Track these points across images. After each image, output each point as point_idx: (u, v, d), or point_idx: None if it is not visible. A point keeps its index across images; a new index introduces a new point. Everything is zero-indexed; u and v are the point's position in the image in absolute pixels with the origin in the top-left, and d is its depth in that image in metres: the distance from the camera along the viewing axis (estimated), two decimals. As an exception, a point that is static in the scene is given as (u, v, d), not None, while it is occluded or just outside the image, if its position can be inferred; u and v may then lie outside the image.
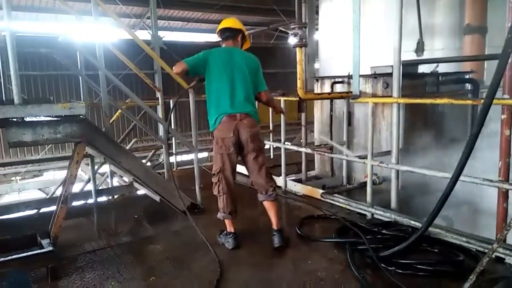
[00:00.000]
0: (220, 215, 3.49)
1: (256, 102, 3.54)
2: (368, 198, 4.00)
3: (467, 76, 5.27)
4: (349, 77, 4.67)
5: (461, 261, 2.89)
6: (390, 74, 3.88)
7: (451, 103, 3.41)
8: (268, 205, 3.46)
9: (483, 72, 5.60)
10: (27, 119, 3.11)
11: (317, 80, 5.70)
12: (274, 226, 3.44)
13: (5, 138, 3.13)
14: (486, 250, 2.84)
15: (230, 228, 3.48)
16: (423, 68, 5.18)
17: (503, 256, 2.91)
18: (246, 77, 3.38)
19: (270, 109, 6.71)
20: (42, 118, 3.17)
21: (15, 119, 3.03)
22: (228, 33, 3.51)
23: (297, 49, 4.25)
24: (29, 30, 11.12)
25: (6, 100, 4.22)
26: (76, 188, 5.32)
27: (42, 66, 10.17)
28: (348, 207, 4.22)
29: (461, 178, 2.75)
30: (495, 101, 2.56)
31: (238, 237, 3.47)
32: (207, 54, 3.40)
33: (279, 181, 5.21)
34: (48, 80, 10.48)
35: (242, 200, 3.83)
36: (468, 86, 5.22)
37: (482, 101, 2.59)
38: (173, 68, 3.42)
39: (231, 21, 3.56)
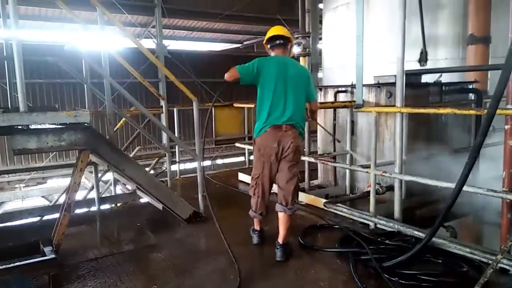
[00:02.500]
0: (251, 213, 3.65)
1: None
2: (371, 207, 3.98)
3: (470, 86, 5.27)
4: (353, 86, 4.68)
5: (465, 272, 2.87)
6: (394, 84, 3.88)
7: (454, 113, 3.41)
8: (282, 218, 3.44)
9: (487, 82, 5.59)
10: (32, 126, 3.13)
11: (321, 89, 5.71)
12: (280, 240, 3.44)
13: (10, 146, 3.14)
14: (490, 261, 2.82)
15: (257, 226, 3.71)
16: (426, 78, 5.19)
17: (507, 267, 2.87)
18: (298, 89, 3.40)
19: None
20: (47, 126, 3.19)
21: (20, 127, 3.05)
22: (279, 41, 3.50)
23: (301, 58, 4.29)
24: (35, 39, 11.25)
25: (12, 107, 4.26)
26: (80, 195, 5.32)
27: (48, 74, 10.25)
28: (351, 216, 4.21)
29: (465, 188, 2.74)
30: (498, 111, 2.56)
31: (262, 235, 3.70)
32: (261, 64, 3.37)
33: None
34: (53, 88, 10.55)
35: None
36: (472, 96, 5.21)
37: (486, 111, 2.58)
38: (225, 74, 3.37)
39: (281, 29, 3.54)
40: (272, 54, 3.56)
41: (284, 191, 3.43)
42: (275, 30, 3.54)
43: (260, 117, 3.40)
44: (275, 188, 3.57)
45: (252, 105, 5.77)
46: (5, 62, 4.70)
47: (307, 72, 3.61)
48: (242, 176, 6.33)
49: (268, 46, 3.58)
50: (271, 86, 3.32)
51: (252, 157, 4.13)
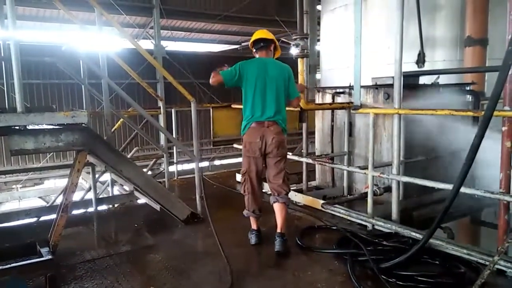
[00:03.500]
0: (245, 212, 3.74)
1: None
2: (369, 209, 3.99)
3: (468, 88, 5.28)
4: (350, 88, 4.69)
5: (462, 274, 2.88)
6: (391, 85, 3.89)
7: (451, 114, 3.42)
8: (278, 207, 3.59)
9: (484, 84, 5.60)
10: (30, 127, 3.13)
11: (319, 91, 5.72)
12: (278, 229, 3.55)
13: (7, 146, 3.14)
14: (487, 263, 2.82)
15: (253, 225, 3.75)
16: (424, 80, 5.20)
17: (504, 268, 2.88)
18: (278, 88, 3.61)
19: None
20: (44, 126, 3.18)
21: (17, 127, 3.04)
22: (262, 44, 3.72)
23: (299, 59, 4.30)
24: (33, 39, 11.22)
25: (9, 108, 4.24)
26: (77, 196, 5.31)
27: (45, 75, 10.22)
28: (348, 217, 4.21)
29: (462, 189, 2.75)
30: (495, 113, 2.57)
31: (260, 234, 3.71)
32: (242, 66, 3.61)
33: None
34: (51, 88, 10.52)
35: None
36: (469, 97, 5.23)
37: (483, 112, 2.59)
38: (210, 79, 3.61)
39: (263, 33, 3.76)
40: (257, 56, 3.76)
41: (274, 184, 3.63)
42: (258, 34, 3.75)
43: (244, 116, 3.66)
44: (267, 188, 3.60)
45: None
46: (3, 62, 4.69)
47: (287, 72, 3.72)
48: (240, 177, 6.31)
49: (253, 49, 3.79)
50: (252, 86, 3.57)
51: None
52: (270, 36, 3.73)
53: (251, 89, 3.57)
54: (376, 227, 3.89)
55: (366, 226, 3.99)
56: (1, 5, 4.62)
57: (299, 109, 4.53)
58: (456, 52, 6.02)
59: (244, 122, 3.67)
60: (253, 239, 3.68)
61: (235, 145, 7.68)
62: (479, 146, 2.54)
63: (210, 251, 3.54)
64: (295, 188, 5.45)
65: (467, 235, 4.89)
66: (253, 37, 3.75)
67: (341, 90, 5.26)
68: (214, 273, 3.13)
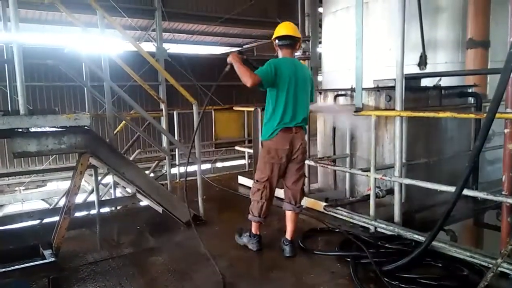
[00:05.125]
0: (253, 218, 3.56)
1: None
2: (371, 211, 3.98)
3: (470, 90, 5.28)
4: (352, 90, 4.69)
5: (465, 276, 2.87)
6: (393, 88, 3.89)
7: (454, 116, 3.41)
8: (291, 216, 3.55)
9: (486, 86, 5.61)
10: (32, 129, 3.14)
11: (320, 93, 5.72)
12: (289, 237, 3.54)
13: (10, 148, 3.14)
14: (491, 265, 2.82)
15: (257, 231, 3.59)
16: (425, 82, 5.20)
17: (507, 271, 2.87)
18: (307, 92, 3.49)
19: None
20: (47, 129, 3.19)
21: (20, 130, 3.05)
22: (290, 41, 3.46)
23: (301, 61, 4.28)
24: (35, 42, 11.26)
25: (12, 110, 4.26)
26: (79, 198, 5.32)
27: (48, 77, 10.26)
28: (351, 220, 4.20)
29: (465, 192, 2.75)
30: (497, 115, 2.57)
31: (261, 239, 3.61)
32: (276, 66, 3.33)
33: (282, 193, 5.19)
34: (54, 91, 10.56)
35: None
36: (471, 100, 5.22)
37: (485, 115, 2.59)
38: (247, 81, 3.20)
39: (291, 28, 3.48)
40: (280, 53, 3.53)
41: (293, 191, 3.53)
42: (286, 29, 3.46)
43: (272, 119, 3.40)
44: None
45: (252, 108, 5.78)
46: (6, 65, 4.72)
47: (310, 74, 3.64)
48: (242, 179, 6.32)
49: (277, 42, 3.51)
50: (284, 89, 3.33)
51: (251, 160, 4.14)
52: (297, 33, 3.48)
53: (283, 93, 3.33)
54: (378, 229, 3.89)
55: (368, 228, 3.98)
56: (4, 7, 4.65)
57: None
58: (458, 54, 6.03)
59: (270, 126, 3.41)
60: (256, 245, 3.57)
61: (237, 147, 7.71)
62: (481, 148, 2.54)
63: (213, 254, 3.54)
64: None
65: (470, 238, 4.88)
66: (280, 31, 3.46)
67: (342, 92, 5.25)
68: (217, 275, 3.13)
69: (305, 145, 3.51)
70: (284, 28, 3.47)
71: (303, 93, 3.43)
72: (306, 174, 5.32)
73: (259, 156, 3.60)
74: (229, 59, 3.37)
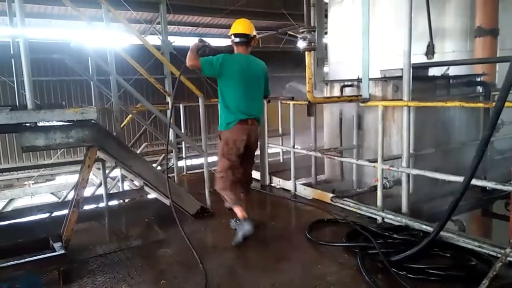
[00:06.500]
0: (230, 204, 3.71)
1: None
2: (379, 202, 3.97)
3: (478, 79, 5.22)
4: (359, 80, 4.66)
5: (474, 266, 2.86)
6: (400, 77, 3.86)
7: (462, 106, 3.38)
8: (243, 198, 3.86)
9: (495, 75, 5.53)
10: (40, 124, 3.16)
11: (327, 84, 5.69)
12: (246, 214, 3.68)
13: (18, 143, 3.17)
14: (499, 255, 2.80)
15: (242, 213, 3.62)
16: (433, 71, 5.15)
17: (516, 261, 2.86)
18: (260, 86, 3.73)
19: (279, 114, 6.74)
20: (55, 123, 3.21)
21: (28, 124, 3.08)
22: (243, 39, 3.67)
23: (306, 53, 4.26)
24: (41, 37, 11.30)
25: (20, 105, 4.29)
26: (88, 192, 5.36)
27: (54, 72, 10.30)
28: (358, 211, 4.20)
29: (473, 181, 2.72)
30: (507, 104, 2.53)
31: (252, 221, 3.58)
32: (224, 61, 3.55)
33: (289, 185, 5.21)
34: (60, 85, 10.60)
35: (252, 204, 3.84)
36: (480, 88, 5.17)
37: (494, 104, 2.56)
38: (187, 62, 3.53)
39: (245, 26, 3.67)
40: (235, 49, 3.72)
41: (247, 177, 3.90)
42: (239, 28, 3.67)
43: (225, 112, 3.64)
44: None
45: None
46: (13, 60, 4.74)
47: (265, 68, 3.80)
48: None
49: (232, 39, 3.71)
50: (235, 84, 3.58)
51: (258, 152, 4.20)
52: (251, 31, 3.68)
53: (235, 87, 3.57)
54: (386, 220, 3.88)
55: (375, 219, 3.98)
56: (10, 2, 4.66)
57: (307, 102, 4.50)
58: (466, 42, 5.95)
59: (226, 119, 3.63)
60: (250, 226, 3.49)
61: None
62: (490, 137, 2.51)
63: (220, 245, 3.56)
64: (304, 182, 5.45)
65: (478, 228, 4.86)
66: (234, 29, 3.67)
67: (349, 83, 5.22)
68: (224, 266, 3.15)
69: (258, 136, 3.80)
70: (239, 26, 3.67)
71: (256, 88, 3.67)
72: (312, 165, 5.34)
73: (218, 147, 3.80)
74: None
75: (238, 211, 3.62)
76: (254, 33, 3.73)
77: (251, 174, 3.99)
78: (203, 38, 3.70)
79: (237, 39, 3.67)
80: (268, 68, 3.83)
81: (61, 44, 9.31)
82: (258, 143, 3.89)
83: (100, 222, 4.47)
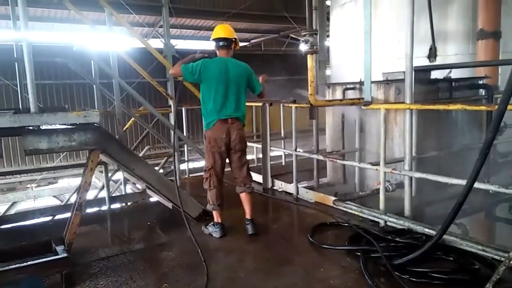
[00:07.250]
0: (209, 206, 3.93)
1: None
2: (381, 205, 3.96)
3: (481, 82, 5.21)
4: (361, 83, 4.66)
5: (477, 270, 2.84)
6: (402, 80, 3.86)
7: (464, 109, 3.37)
8: (245, 197, 3.93)
9: (498, 77, 5.52)
10: (43, 127, 3.17)
11: (329, 87, 5.69)
12: (248, 216, 3.89)
13: (21, 146, 3.18)
14: (503, 259, 2.78)
15: (217, 219, 3.88)
16: (435, 74, 5.14)
17: (520, 264, 2.84)
18: (239, 87, 3.82)
19: (281, 117, 6.75)
20: (57, 126, 3.22)
21: (31, 127, 3.09)
22: (223, 43, 3.84)
23: (308, 56, 4.26)
24: (44, 40, 11.35)
25: (23, 108, 4.31)
26: (90, 195, 5.38)
27: (57, 75, 10.34)
28: (360, 214, 4.19)
29: (476, 185, 2.72)
30: (509, 106, 2.53)
31: (224, 227, 3.86)
32: (204, 66, 3.74)
33: (291, 188, 5.20)
34: (63, 88, 10.65)
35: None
36: (482, 91, 5.15)
37: (497, 106, 2.55)
38: (170, 71, 3.88)
39: (225, 30, 3.85)
40: (218, 53, 3.89)
41: (240, 177, 3.94)
42: (219, 33, 3.83)
43: (206, 113, 3.82)
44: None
45: (260, 104, 5.78)
46: (16, 63, 4.77)
47: (247, 70, 3.90)
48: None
49: (214, 44, 3.88)
50: (213, 86, 3.73)
51: (260, 155, 4.21)
52: (231, 35, 3.85)
53: (213, 89, 3.72)
54: (388, 223, 3.86)
55: (378, 222, 3.96)
56: (13, 6, 4.69)
57: (309, 105, 4.50)
58: (469, 45, 5.94)
59: (207, 119, 3.82)
60: (218, 232, 3.81)
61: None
62: (493, 140, 2.50)
63: (223, 247, 3.56)
64: (306, 185, 5.44)
65: (481, 231, 4.84)
66: (215, 34, 3.84)
67: (351, 86, 5.22)
68: (227, 270, 3.14)
69: (242, 134, 3.84)
70: (220, 30, 3.84)
71: (235, 90, 3.77)
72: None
73: (204, 147, 4.00)
74: None
75: (214, 215, 3.89)
76: (235, 36, 3.90)
77: (247, 174, 3.98)
78: (204, 50, 3.87)
79: (218, 43, 3.84)
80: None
81: (64, 48, 9.35)
82: (244, 144, 3.92)
83: (102, 225, 4.47)
